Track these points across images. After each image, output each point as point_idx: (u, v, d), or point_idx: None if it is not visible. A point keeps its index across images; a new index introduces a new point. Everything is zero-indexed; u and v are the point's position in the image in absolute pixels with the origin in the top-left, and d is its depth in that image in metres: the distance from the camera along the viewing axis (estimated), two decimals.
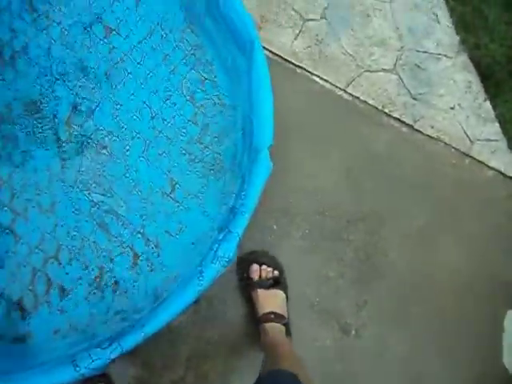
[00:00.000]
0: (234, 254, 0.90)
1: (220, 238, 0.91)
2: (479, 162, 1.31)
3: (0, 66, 1.03)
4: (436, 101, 1.34)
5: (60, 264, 0.99)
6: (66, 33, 1.07)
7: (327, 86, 1.28)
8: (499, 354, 1.18)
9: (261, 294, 1.05)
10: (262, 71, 0.98)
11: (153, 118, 1.09)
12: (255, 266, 1.06)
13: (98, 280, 0.99)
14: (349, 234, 1.17)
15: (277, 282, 1.07)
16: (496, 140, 1.34)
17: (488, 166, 1.31)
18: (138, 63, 1.10)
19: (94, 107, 1.07)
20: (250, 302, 1.07)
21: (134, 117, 1.08)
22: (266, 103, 0.95)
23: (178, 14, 1.13)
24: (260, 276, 1.06)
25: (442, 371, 1.12)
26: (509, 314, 1.21)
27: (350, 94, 1.29)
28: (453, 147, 1.31)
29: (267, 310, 1.03)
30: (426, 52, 1.37)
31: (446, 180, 1.27)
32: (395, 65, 1.34)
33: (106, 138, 1.05)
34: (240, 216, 0.90)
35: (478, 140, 1.33)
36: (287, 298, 1.08)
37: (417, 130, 1.30)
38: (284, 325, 1.03)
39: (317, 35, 1.32)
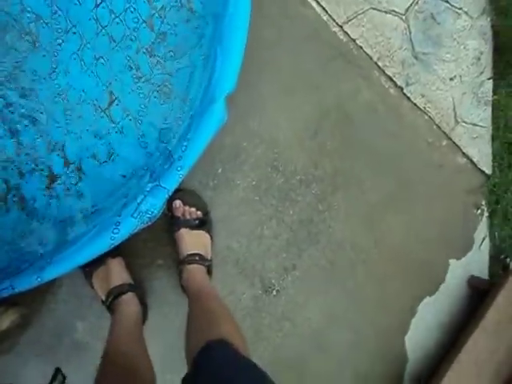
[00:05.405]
0: (159, 212, 0.79)
1: (148, 189, 0.78)
2: (456, 145, 1.20)
3: None
4: (438, 66, 1.16)
5: None
6: None
7: (323, 16, 1.06)
8: (403, 333, 1.22)
9: (185, 234, 0.97)
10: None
11: (97, 5, 0.86)
12: (177, 203, 0.96)
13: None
14: (298, 194, 1.08)
15: (202, 223, 0.99)
16: (482, 126, 1.22)
17: (463, 152, 1.21)
18: None
19: None
20: (174, 242, 1.00)
21: (75, 1, 0.84)
22: (237, 40, 0.75)
23: None
24: (184, 215, 0.98)
25: (349, 344, 1.15)
26: (426, 299, 1.23)
27: (347, 34, 1.08)
28: (436, 124, 1.17)
29: (192, 251, 0.97)
30: (447, 2, 1.15)
31: (415, 158, 1.16)
32: (408, 9, 1.12)
33: (32, 24, 0.82)
34: (175, 172, 0.77)
35: (464, 122, 1.20)
36: (212, 238, 1.02)
37: (405, 95, 1.14)
38: (206, 266, 0.98)
39: None
